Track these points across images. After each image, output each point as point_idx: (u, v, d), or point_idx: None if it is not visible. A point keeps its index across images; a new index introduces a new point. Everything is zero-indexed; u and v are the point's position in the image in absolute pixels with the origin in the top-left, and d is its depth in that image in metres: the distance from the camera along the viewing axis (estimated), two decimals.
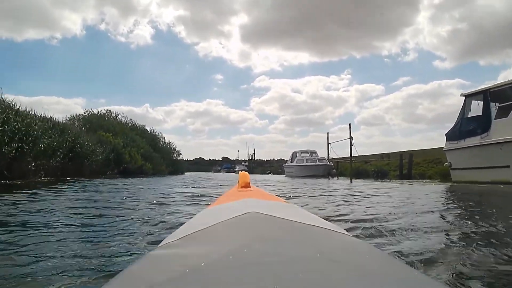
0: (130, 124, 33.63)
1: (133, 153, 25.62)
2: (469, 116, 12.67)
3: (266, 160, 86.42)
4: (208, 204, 2.39)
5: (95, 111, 29.89)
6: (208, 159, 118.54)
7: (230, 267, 0.58)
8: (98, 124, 26.64)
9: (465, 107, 12.92)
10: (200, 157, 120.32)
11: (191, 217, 1.42)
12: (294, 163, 31.46)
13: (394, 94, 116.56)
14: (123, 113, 33.54)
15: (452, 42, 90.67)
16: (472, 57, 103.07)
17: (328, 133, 34.69)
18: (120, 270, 0.64)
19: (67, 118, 26.23)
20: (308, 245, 0.72)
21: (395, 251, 2.15)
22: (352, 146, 27.67)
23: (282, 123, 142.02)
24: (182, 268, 0.58)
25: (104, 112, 31.33)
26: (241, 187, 1.83)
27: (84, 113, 28.65)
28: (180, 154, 41.25)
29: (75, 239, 2.51)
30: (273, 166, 65.16)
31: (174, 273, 0.56)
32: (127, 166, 24.37)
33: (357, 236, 2.09)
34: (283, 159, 78.42)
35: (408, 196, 7.32)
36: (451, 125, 13.49)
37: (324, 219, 1.07)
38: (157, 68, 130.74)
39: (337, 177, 24.39)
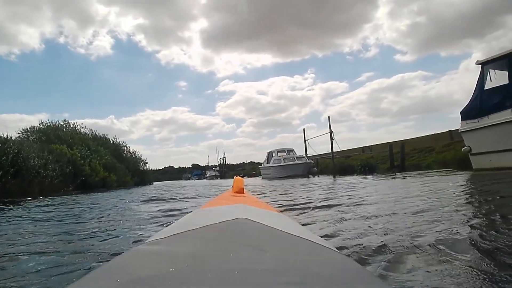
0: (90, 134, 30.91)
1: (94, 165, 23.08)
2: (490, 87, 10.41)
3: (237, 164, 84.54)
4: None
5: (51, 122, 26.80)
6: (177, 167, 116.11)
7: (211, 270, 0.58)
8: (55, 136, 23.95)
9: (483, 77, 10.65)
10: (169, 166, 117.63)
11: (182, 216, 1.65)
12: (270, 164, 29.47)
13: (358, 90, 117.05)
14: (82, 123, 30.59)
15: (412, 35, 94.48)
16: (433, 49, 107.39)
17: (304, 129, 33.63)
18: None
19: (19, 131, 23.52)
20: (292, 257, 0.73)
21: None
22: (333, 141, 26.62)
23: (249, 126, 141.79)
24: (164, 266, 0.59)
25: (62, 123, 28.45)
26: (235, 192, 1.91)
27: (40, 125, 25.51)
28: (147, 163, 38.59)
29: None
30: (245, 169, 63.48)
31: (155, 270, 0.57)
32: (87, 179, 21.89)
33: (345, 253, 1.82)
34: (254, 162, 79.86)
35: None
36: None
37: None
38: (120, 78, 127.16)
39: (318, 176, 22.91)
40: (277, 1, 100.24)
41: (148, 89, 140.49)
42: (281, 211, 3.24)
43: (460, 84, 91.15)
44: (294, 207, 4.76)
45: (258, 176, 36.42)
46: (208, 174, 69.56)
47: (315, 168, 26.03)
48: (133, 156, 36.01)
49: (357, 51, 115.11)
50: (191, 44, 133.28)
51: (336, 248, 1.00)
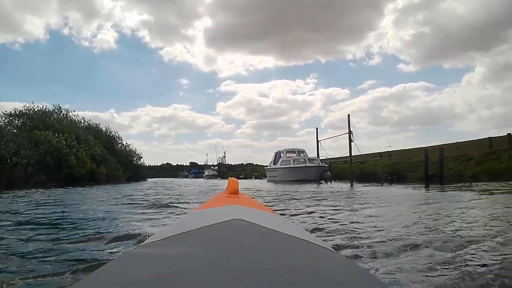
0: (82, 123, 28.37)
1: (81, 155, 20.51)
2: None
3: (235, 164, 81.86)
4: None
5: (38, 107, 24.03)
6: (175, 164, 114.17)
7: (207, 272, 0.58)
8: (41, 122, 21.39)
9: None
10: (167, 163, 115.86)
11: (177, 218, 1.64)
12: (278, 165, 26.05)
13: (359, 97, 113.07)
14: (74, 111, 27.97)
15: (415, 45, 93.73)
16: (436, 60, 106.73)
17: (317, 128, 31.09)
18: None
19: (1, 114, 20.93)
20: (288, 257, 0.73)
21: None
22: (352, 143, 24.08)
23: (249, 128, 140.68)
24: (160, 269, 0.59)
25: (52, 108, 25.82)
26: (230, 193, 1.87)
27: (24, 108, 22.73)
28: (141, 157, 36.01)
29: None
30: (245, 170, 60.87)
31: (151, 273, 0.57)
32: (72, 171, 19.36)
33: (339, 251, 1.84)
34: (252, 163, 77.70)
35: None
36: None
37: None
38: (122, 73, 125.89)
39: (331, 181, 20.35)
40: (283, 2, 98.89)
41: (149, 85, 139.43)
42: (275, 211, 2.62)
43: (462, 97, 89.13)
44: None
45: (262, 178, 33.78)
46: (206, 173, 67.20)
47: (329, 173, 23.12)
48: (127, 149, 33.50)
49: (360, 58, 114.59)
50: (194, 42, 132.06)
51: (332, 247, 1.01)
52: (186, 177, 75.59)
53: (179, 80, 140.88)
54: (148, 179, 34.89)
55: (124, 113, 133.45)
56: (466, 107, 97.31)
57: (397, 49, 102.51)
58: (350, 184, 15.88)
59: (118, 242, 2.47)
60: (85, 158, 20.78)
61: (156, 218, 3.88)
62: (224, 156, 70.65)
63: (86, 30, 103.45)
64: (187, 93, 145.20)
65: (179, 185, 17.17)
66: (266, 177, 29.12)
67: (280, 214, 3.95)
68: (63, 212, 4.87)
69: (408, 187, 11.72)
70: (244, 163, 79.95)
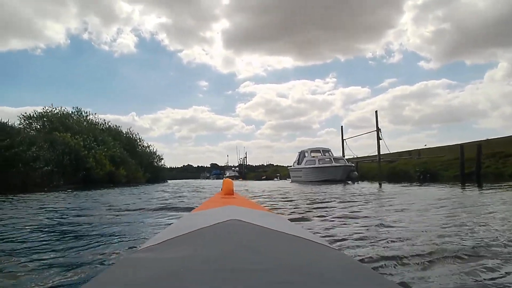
0: (102, 125, 28.26)
1: (99, 156, 20.19)
2: None
3: (255, 165, 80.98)
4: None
5: (57, 109, 23.99)
6: (196, 166, 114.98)
7: (207, 273, 0.58)
8: (60, 123, 21.26)
9: None
10: (188, 164, 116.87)
11: (173, 221, 1.62)
12: (302, 165, 24.76)
13: (380, 96, 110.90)
14: (95, 113, 27.90)
15: (436, 42, 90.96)
16: (457, 56, 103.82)
17: (342, 126, 29.87)
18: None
19: (19, 117, 20.91)
20: (287, 255, 0.73)
21: None
22: (380, 141, 22.81)
23: (268, 128, 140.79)
24: (159, 273, 0.59)
25: (72, 110, 25.79)
26: (225, 194, 1.88)
27: (43, 111, 22.70)
28: (162, 159, 35.72)
29: None
30: (267, 171, 59.92)
31: (151, 277, 0.57)
32: (90, 173, 19.05)
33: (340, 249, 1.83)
34: (272, 164, 76.75)
35: None
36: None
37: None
38: (142, 76, 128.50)
39: (358, 182, 19.13)
40: (299, 2, 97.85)
41: (169, 88, 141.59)
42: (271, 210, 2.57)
43: (485, 94, 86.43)
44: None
45: (286, 179, 32.80)
46: (228, 174, 66.61)
47: (356, 173, 21.83)
48: (147, 150, 33.27)
49: (380, 56, 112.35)
50: (212, 44, 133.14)
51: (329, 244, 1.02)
52: (208, 178, 75.41)
53: (198, 82, 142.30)
54: (168, 181, 34.54)
55: (145, 115, 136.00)
56: (489, 104, 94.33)
57: (417, 46, 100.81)
58: (379, 184, 14.72)
59: None
60: (103, 159, 20.44)
61: None
62: (245, 157, 69.93)
63: (106, 35, 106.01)
64: (207, 94, 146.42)
65: (203, 188, 16.55)
66: (290, 178, 28.15)
67: (278, 214, 3.63)
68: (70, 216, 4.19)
69: (445, 187, 10.56)
70: (265, 164, 79.32)
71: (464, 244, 2.26)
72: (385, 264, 1.81)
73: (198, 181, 43.32)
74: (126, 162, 24.05)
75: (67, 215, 4.56)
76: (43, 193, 10.40)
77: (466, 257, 1.92)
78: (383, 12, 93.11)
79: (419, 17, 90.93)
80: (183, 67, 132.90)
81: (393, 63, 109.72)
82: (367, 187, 12.21)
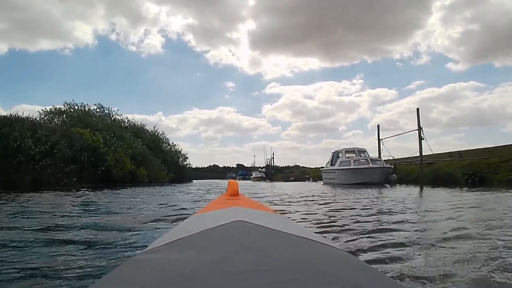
0: (125, 123, 27.37)
1: (119, 155, 19.09)
2: None
3: (282, 166, 78.78)
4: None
5: (78, 105, 23.22)
6: (222, 166, 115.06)
7: (214, 275, 0.57)
8: (80, 121, 20.41)
9: None
10: (214, 165, 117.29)
11: (178, 223, 1.49)
12: (336, 166, 22.77)
13: (407, 98, 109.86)
14: (117, 109, 27.05)
15: (464, 43, 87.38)
16: (486, 58, 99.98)
17: (378, 125, 27.70)
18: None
19: (39, 112, 20.20)
20: (293, 256, 0.72)
21: None
22: (422, 141, 20.70)
23: (295, 130, 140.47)
24: (165, 274, 0.58)
25: (94, 107, 25.00)
26: (230, 195, 1.86)
27: (64, 106, 21.94)
28: (187, 158, 34.55)
29: None
30: (294, 172, 57.89)
31: (156, 279, 0.56)
32: (110, 171, 17.97)
33: (347, 250, 1.75)
34: (298, 165, 74.68)
35: None
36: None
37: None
38: (169, 77, 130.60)
39: (395, 185, 17.13)
40: (326, 3, 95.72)
41: (196, 88, 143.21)
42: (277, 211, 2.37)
43: None
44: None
45: (317, 181, 30.87)
46: (254, 175, 65.27)
47: (395, 175, 19.85)
48: (172, 149, 32.21)
49: (408, 58, 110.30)
50: (239, 45, 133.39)
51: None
52: (234, 178, 74.04)
53: (224, 83, 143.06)
54: (193, 181, 33.36)
55: (171, 115, 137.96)
56: None
57: (445, 48, 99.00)
58: (420, 188, 13.18)
59: None
60: (124, 158, 19.33)
61: None
62: (273, 158, 67.91)
63: (133, 36, 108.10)
64: (233, 95, 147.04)
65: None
66: (322, 180, 26.24)
67: (282, 214, 3.40)
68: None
69: (498, 192, 8.90)
70: (290, 165, 77.51)
71: None
72: None
73: (224, 181, 42.22)
74: (148, 161, 22.93)
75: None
76: (55, 192, 9.25)
77: None
78: (410, 12, 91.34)
79: (447, 18, 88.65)
80: (210, 68, 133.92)
81: (421, 64, 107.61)
82: (414, 192, 10.34)
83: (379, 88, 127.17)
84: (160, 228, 3.17)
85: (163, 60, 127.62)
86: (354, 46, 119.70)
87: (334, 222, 3.65)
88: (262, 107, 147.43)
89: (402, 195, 8.70)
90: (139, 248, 2.17)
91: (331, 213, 4.61)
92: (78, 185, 13.26)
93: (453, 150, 24.08)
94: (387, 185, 17.07)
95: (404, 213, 4.55)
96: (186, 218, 1.93)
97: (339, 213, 4.59)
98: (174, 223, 3.48)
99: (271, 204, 6.23)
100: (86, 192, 9.69)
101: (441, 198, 7.80)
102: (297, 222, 3.38)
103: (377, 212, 4.55)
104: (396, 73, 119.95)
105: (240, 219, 1.00)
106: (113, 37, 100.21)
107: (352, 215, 4.25)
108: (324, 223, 3.57)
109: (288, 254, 0.73)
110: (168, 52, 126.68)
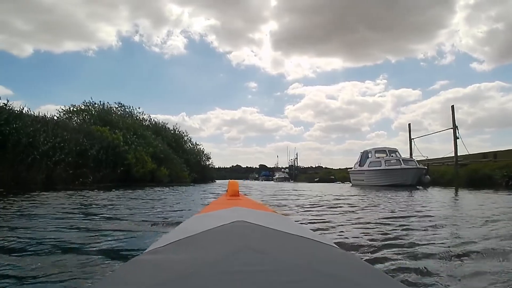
0: (148, 122, 26.83)
1: (139, 154, 18.40)
2: None
3: (305, 167, 77.06)
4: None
5: (98, 103, 22.75)
6: (245, 166, 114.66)
7: (215, 275, 0.57)
8: (100, 119, 19.90)
9: None
10: (237, 165, 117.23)
11: (179, 224, 1.48)
12: (365, 167, 21.41)
13: (431, 98, 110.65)
14: (139, 107, 26.46)
15: (489, 43, 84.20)
16: None
17: (409, 124, 26.16)
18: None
19: (58, 111, 19.79)
20: (294, 256, 0.71)
21: None
22: (457, 140, 19.40)
23: (317, 130, 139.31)
24: (166, 275, 0.58)
25: (115, 105, 24.49)
26: (230, 195, 1.88)
27: (83, 104, 21.49)
28: (210, 158, 33.83)
29: None
30: (318, 173, 56.28)
31: (158, 280, 0.56)
32: (130, 170, 17.31)
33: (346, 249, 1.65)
34: (321, 166, 73.02)
35: None
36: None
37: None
38: (192, 77, 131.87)
39: (428, 187, 15.86)
40: (348, 2, 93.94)
41: (218, 89, 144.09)
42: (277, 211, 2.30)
43: None
44: None
45: (344, 182, 29.45)
46: (277, 175, 64.29)
47: (428, 177, 18.46)
48: (195, 148, 31.54)
49: (432, 57, 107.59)
50: (261, 46, 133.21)
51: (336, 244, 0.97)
52: (256, 179, 73.84)
53: (247, 84, 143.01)
54: (216, 181, 32.64)
55: (195, 116, 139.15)
56: None
57: (469, 47, 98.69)
58: (455, 190, 12.51)
59: None
60: (144, 156, 18.64)
61: None
62: (296, 158, 66.54)
63: (156, 37, 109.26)
64: (255, 96, 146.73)
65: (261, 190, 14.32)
66: (349, 181, 24.87)
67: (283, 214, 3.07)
68: None
69: None
70: (313, 166, 76.07)
71: None
72: None
73: (246, 182, 41.45)
74: (169, 160, 22.21)
75: None
76: (69, 191, 8.53)
77: None
78: (434, 12, 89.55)
79: (471, 17, 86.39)
80: (232, 69, 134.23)
81: (445, 64, 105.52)
82: (467, 198, 9.06)
83: (403, 88, 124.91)
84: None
85: (186, 61, 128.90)
86: (378, 45, 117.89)
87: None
88: (285, 107, 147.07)
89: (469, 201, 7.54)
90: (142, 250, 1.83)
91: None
92: (95, 184, 12.58)
93: (483, 152, 22.44)
94: (420, 187, 16.01)
95: None
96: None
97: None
98: (175, 223, 3.25)
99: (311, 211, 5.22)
100: (104, 192, 8.91)
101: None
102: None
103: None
104: (420, 73, 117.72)
105: (240, 219, 1.00)
106: (136, 38, 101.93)
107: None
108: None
109: (289, 254, 0.72)
110: (191, 53, 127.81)
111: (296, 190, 13.48)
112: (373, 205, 6.09)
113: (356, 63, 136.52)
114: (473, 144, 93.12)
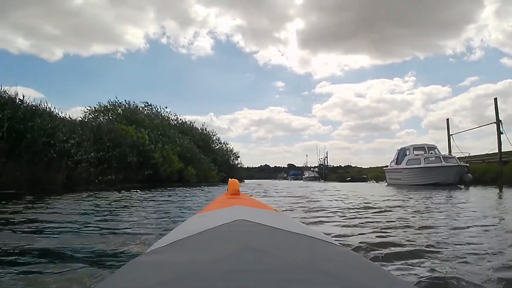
0: (175, 121, 26.24)
1: (166, 153, 17.65)
2: None
3: (334, 166, 74.75)
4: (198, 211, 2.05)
5: (124, 102, 22.27)
6: (273, 166, 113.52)
7: (216, 274, 0.57)
8: (125, 117, 19.39)
9: None
10: (265, 164, 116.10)
11: (179, 223, 1.44)
12: (403, 165, 19.75)
13: (461, 95, 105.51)
14: (166, 107, 25.90)
15: None
16: None
17: (448, 119, 24.14)
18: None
19: (83, 111, 19.44)
20: (296, 254, 0.71)
21: None
22: (502, 134, 17.69)
23: (345, 129, 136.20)
24: (168, 275, 0.57)
25: (142, 105, 23.99)
26: (231, 194, 1.83)
27: (109, 104, 21.07)
28: (238, 157, 32.94)
29: None
30: (349, 172, 54.22)
31: (159, 280, 0.55)
32: (157, 171, 16.59)
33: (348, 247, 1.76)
34: (350, 165, 70.70)
35: None
36: None
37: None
38: (219, 77, 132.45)
39: (469, 186, 14.39)
40: None
41: (246, 89, 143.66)
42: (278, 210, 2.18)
43: None
44: None
45: (377, 181, 27.76)
46: (306, 175, 62.49)
47: (470, 175, 16.92)
48: (224, 147, 30.73)
49: (461, 53, 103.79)
50: (287, 44, 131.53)
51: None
52: (285, 178, 72.55)
53: (274, 83, 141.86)
54: (245, 181, 31.71)
55: (222, 116, 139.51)
56: None
57: (499, 42, 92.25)
58: (498, 189, 11.50)
59: None
60: (171, 155, 17.89)
61: None
62: (326, 157, 64.60)
63: (183, 38, 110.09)
64: (283, 95, 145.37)
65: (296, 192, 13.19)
66: (385, 180, 23.21)
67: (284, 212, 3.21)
68: None
69: None
70: (342, 165, 73.89)
71: None
72: None
73: (275, 181, 40.28)
74: (197, 159, 21.41)
75: None
76: (90, 192, 7.79)
77: None
78: (462, 6, 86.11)
79: (500, 10, 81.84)
80: (259, 68, 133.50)
81: (474, 60, 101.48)
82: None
83: (432, 85, 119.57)
84: None
85: (213, 62, 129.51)
86: (405, 42, 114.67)
87: None
88: (312, 106, 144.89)
89: None
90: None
91: None
92: (119, 185, 11.85)
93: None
94: (462, 186, 14.84)
95: None
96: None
97: None
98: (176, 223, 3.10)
99: None
100: (130, 192, 8.06)
101: None
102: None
103: None
104: (449, 69, 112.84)
105: (241, 218, 1.00)
106: (163, 40, 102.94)
107: None
108: None
109: (290, 252, 0.72)
110: (218, 53, 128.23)
111: (327, 190, 12.25)
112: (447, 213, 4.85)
113: (384, 60, 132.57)
114: (505, 142, 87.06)
